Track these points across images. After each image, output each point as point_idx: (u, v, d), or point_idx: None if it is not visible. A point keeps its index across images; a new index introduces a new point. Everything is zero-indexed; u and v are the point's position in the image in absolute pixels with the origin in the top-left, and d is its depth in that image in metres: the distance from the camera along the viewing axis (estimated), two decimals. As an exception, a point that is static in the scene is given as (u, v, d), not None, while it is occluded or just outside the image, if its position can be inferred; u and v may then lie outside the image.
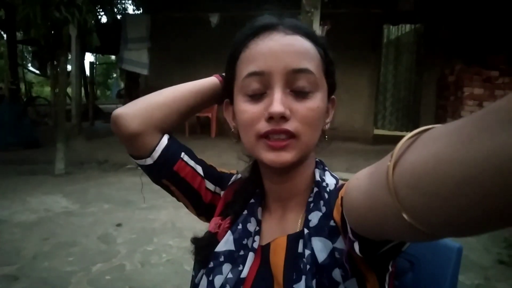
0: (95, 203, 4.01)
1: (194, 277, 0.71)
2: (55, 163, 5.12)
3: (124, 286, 2.40)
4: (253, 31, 0.62)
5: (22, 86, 11.57)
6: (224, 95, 0.73)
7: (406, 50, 7.98)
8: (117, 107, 0.75)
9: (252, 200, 0.71)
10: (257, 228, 0.68)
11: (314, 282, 0.55)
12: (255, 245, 0.67)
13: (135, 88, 9.41)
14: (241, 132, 0.64)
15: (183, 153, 0.75)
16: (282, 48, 0.59)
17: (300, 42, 0.61)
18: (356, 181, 0.46)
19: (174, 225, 3.35)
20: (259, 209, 0.70)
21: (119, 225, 3.41)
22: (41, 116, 10.22)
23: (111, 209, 3.86)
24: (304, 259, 0.57)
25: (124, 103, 0.77)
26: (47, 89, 13.42)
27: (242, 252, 0.66)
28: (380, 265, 0.57)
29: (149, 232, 3.26)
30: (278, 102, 0.57)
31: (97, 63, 17.34)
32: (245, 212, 0.70)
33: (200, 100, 0.77)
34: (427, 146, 0.31)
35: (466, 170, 0.25)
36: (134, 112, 0.71)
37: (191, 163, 0.76)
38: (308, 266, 0.56)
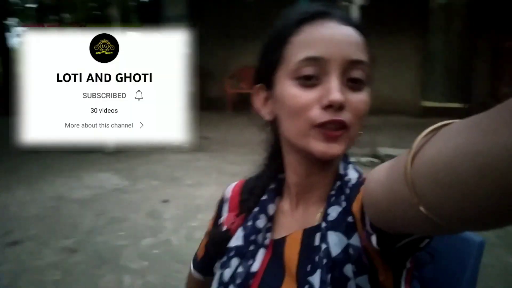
0: (143, 180, 4.21)
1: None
2: (106, 142, 5.39)
3: (171, 260, 2.54)
4: (306, 16, 0.61)
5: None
6: (259, 79, 0.69)
7: (457, 15, 7.43)
8: None
9: (265, 197, 0.72)
10: (269, 224, 0.69)
11: (329, 276, 0.55)
12: (266, 241, 0.68)
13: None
14: (288, 118, 0.62)
15: None
16: (341, 36, 0.59)
17: (355, 34, 0.60)
18: (376, 174, 0.47)
19: (217, 202, 3.45)
20: (271, 206, 0.71)
21: (165, 201, 3.57)
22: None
23: (158, 185, 4.04)
24: (320, 253, 0.57)
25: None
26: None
27: (252, 247, 0.67)
28: (397, 260, 0.56)
29: (193, 208, 3.39)
30: (338, 90, 0.56)
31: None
32: (257, 208, 0.71)
33: None
34: (446, 140, 0.31)
35: (483, 161, 0.25)
36: None
37: None
38: (324, 260, 0.56)
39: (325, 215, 0.61)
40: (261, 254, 0.66)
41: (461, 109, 7.49)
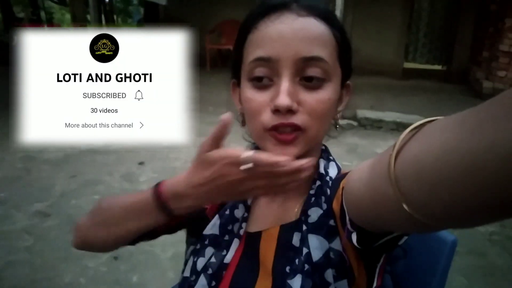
0: (118, 140, 4.11)
1: (186, 249, 0.74)
2: (79, 98, 5.20)
3: (147, 225, 2.54)
4: (263, 10, 0.57)
5: (43, 15, 11.48)
6: (232, 74, 0.67)
7: (445, -26, 7.26)
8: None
9: None
10: (246, 214, 0.68)
11: (310, 282, 0.55)
12: (241, 232, 0.67)
13: (154, 18, 9.13)
14: (247, 119, 0.62)
15: None
16: (293, 32, 0.54)
17: (314, 26, 0.56)
18: (358, 172, 0.46)
19: (195, 165, 3.41)
20: None
21: (141, 163, 3.51)
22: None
23: (133, 146, 3.94)
24: (302, 257, 0.57)
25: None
26: (68, 17, 13.30)
27: (226, 237, 0.66)
28: (372, 257, 0.57)
29: (170, 171, 3.34)
30: (284, 94, 0.54)
31: (117, -12, 16.80)
32: None
33: (135, 223, 0.62)
34: (430, 137, 0.31)
35: (469, 160, 0.25)
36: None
37: None
38: (306, 266, 0.56)
39: (305, 216, 0.60)
40: (234, 245, 0.65)
41: (441, 72, 7.53)
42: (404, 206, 0.32)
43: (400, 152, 0.33)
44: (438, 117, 0.33)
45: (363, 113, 4.84)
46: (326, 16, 0.57)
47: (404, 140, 0.34)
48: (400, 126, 4.53)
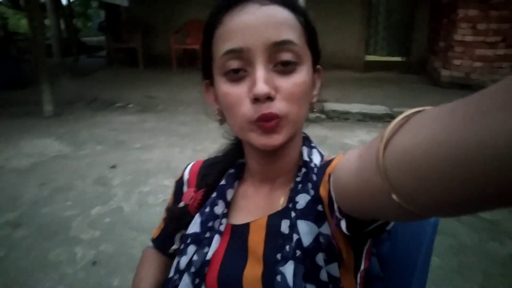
0: (88, 145, 4.03)
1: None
2: (43, 105, 5.04)
3: (124, 228, 2.51)
4: (225, 5, 0.58)
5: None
6: (203, 75, 0.67)
7: (400, -32, 7.52)
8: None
9: (223, 182, 0.71)
10: (225, 210, 0.68)
11: (302, 268, 0.55)
12: (222, 228, 0.67)
13: (116, 20, 8.94)
14: (227, 115, 0.61)
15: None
16: (259, 20, 0.55)
17: (278, 12, 0.56)
18: (346, 161, 0.45)
19: (169, 165, 3.41)
20: (229, 191, 0.70)
21: (113, 166, 3.46)
22: (23, 53, 9.81)
23: (104, 150, 3.89)
24: (292, 244, 0.57)
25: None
26: (24, 22, 12.75)
27: (208, 234, 0.66)
28: (359, 241, 0.58)
29: (144, 173, 3.33)
30: (261, 81, 0.54)
31: (74, -9, 16.28)
32: (214, 194, 0.70)
33: None
34: (419, 128, 0.30)
35: (459, 152, 0.25)
36: None
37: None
38: (298, 252, 0.56)
39: (293, 203, 0.61)
40: (216, 241, 0.65)
41: (402, 63, 7.81)
42: (393, 196, 0.32)
43: (389, 143, 0.33)
44: (426, 107, 0.32)
45: (330, 106, 4.96)
46: (288, 2, 0.58)
47: (392, 130, 0.33)
48: (366, 117, 4.69)
